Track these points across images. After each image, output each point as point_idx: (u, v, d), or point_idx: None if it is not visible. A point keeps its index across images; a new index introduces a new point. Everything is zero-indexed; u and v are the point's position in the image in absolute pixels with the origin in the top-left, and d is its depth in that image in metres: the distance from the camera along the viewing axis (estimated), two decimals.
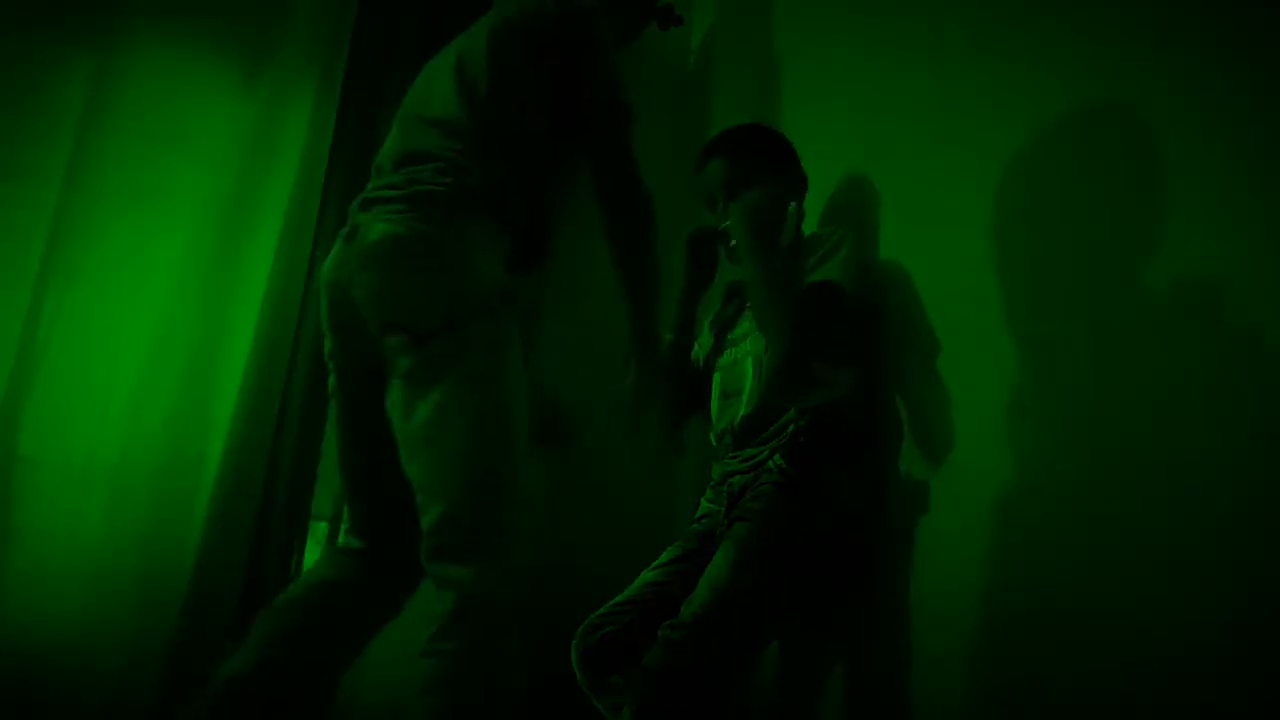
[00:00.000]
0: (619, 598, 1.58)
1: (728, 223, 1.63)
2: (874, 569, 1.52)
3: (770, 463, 1.50)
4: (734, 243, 1.61)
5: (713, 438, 1.69)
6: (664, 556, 1.64)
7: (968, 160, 1.48)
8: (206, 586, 1.90)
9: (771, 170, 1.69)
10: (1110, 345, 1.16)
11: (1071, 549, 1.16)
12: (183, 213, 2.06)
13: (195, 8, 2.15)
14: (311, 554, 2.00)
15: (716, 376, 1.70)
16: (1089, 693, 1.09)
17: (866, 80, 1.81)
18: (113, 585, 1.88)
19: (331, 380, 1.49)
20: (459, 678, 1.24)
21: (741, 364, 1.63)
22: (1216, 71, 1.07)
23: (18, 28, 2.01)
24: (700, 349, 1.80)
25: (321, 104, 2.16)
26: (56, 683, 1.82)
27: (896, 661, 1.43)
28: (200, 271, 2.04)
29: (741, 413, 1.59)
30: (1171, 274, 1.09)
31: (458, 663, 1.25)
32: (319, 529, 2.03)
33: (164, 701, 1.84)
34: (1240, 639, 0.94)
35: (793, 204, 1.63)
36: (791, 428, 1.51)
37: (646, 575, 1.61)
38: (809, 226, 1.82)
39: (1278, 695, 0.90)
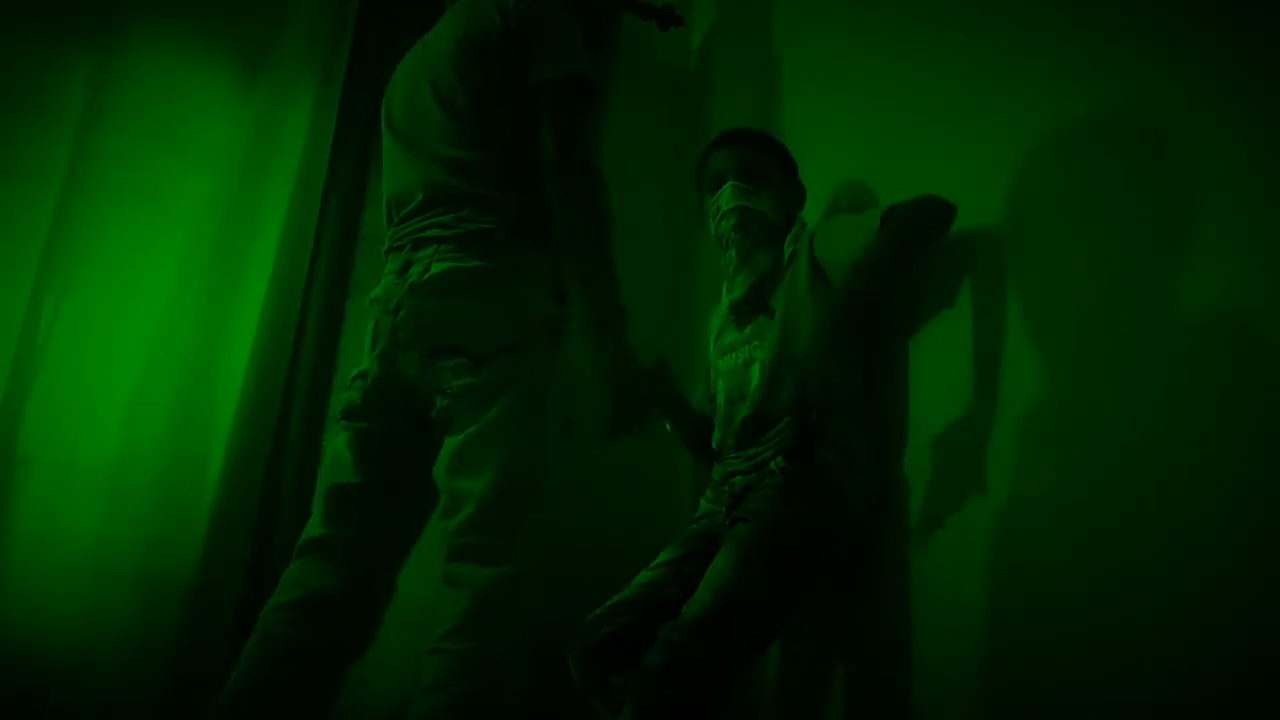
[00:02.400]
0: (616, 598, 1.58)
1: (725, 205, 1.67)
2: (875, 569, 1.52)
3: (772, 464, 1.50)
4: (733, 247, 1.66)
5: (715, 438, 1.69)
6: (662, 556, 1.64)
7: (969, 160, 1.48)
8: (209, 587, 1.90)
9: (780, 172, 1.72)
10: (1113, 346, 1.16)
11: (1072, 549, 1.16)
12: (183, 213, 2.06)
13: (195, 8, 2.14)
14: None
15: (720, 383, 1.68)
16: (1090, 692, 1.09)
17: (866, 80, 1.81)
18: (114, 586, 1.87)
19: (351, 398, 1.49)
20: (465, 676, 1.25)
21: (748, 369, 1.62)
22: (1231, 67, 1.06)
23: (18, 28, 2.01)
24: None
25: (321, 104, 2.15)
26: (57, 684, 1.82)
27: (898, 661, 1.43)
28: (200, 271, 2.04)
29: (742, 414, 1.59)
30: (1181, 273, 1.09)
31: (464, 662, 1.25)
32: None
33: (165, 703, 1.84)
34: (1240, 641, 0.94)
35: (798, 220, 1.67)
36: (794, 429, 1.51)
37: (644, 575, 1.61)
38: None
39: (1277, 697, 0.90)
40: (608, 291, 1.38)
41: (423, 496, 1.43)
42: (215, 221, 2.06)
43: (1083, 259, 1.22)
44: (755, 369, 1.59)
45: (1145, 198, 1.14)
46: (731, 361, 1.67)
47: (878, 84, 1.77)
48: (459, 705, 1.23)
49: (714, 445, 1.69)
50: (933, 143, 1.57)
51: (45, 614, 1.84)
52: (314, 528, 1.48)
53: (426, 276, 1.39)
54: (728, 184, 1.68)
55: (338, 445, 1.50)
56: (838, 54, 1.96)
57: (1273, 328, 0.96)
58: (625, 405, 1.40)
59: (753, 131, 1.80)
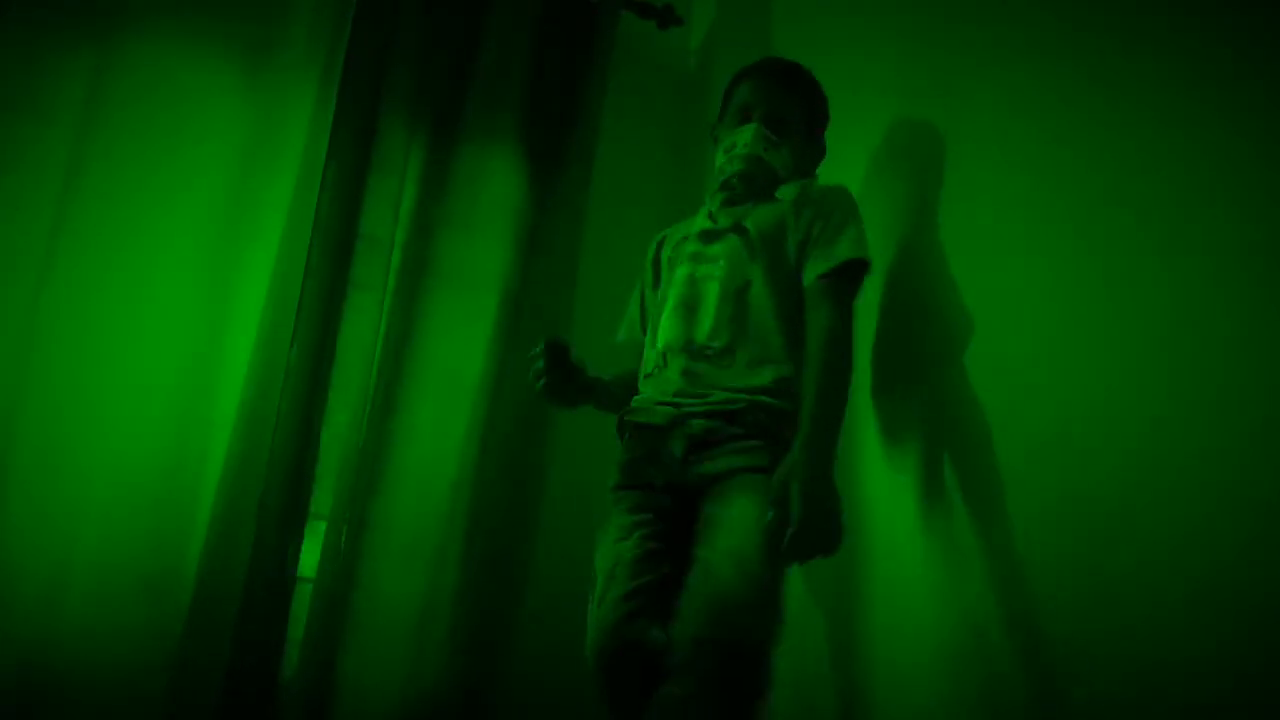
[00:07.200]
0: (612, 594, 1.43)
1: (741, 148, 1.57)
2: (868, 570, 1.52)
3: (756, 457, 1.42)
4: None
5: (654, 355, 1.56)
6: (627, 518, 1.49)
7: (970, 160, 1.48)
8: (211, 584, 1.90)
9: (806, 123, 1.63)
10: (1108, 348, 1.16)
11: (1068, 548, 1.16)
12: (183, 212, 2.06)
13: (195, 8, 2.14)
14: (309, 553, 1.99)
15: (672, 293, 1.55)
16: (1083, 691, 1.09)
17: (866, 81, 1.81)
18: (116, 584, 1.87)
19: None
20: None
21: (705, 284, 1.53)
22: (1234, 66, 1.06)
23: (18, 26, 2.01)
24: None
25: (321, 104, 2.15)
26: (61, 682, 1.82)
27: (896, 662, 1.43)
28: (200, 270, 2.04)
29: (700, 337, 1.49)
30: (1186, 269, 1.09)
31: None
32: (318, 528, 2.03)
33: (171, 702, 1.84)
34: (1229, 638, 0.94)
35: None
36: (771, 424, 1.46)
37: (625, 552, 1.46)
38: None
39: (1271, 697, 0.90)
40: None
41: None
42: (215, 220, 2.06)
43: (1079, 258, 1.22)
44: (714, 286, 1.49)
45: (1144, 196, 1.14)
46: (685, 270, 1.56)
47: (877, 84, 1.77)
48: None
49: (653, 355, 1.56)
50: (932, 141, 1.57)
51: (48, 614, 1.84)
52: None
53: None
54: (753, 125, 1.57)
55: None
56: (837, 55, 1.96)
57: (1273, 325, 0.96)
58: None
59: (795, 70, 1.67)
